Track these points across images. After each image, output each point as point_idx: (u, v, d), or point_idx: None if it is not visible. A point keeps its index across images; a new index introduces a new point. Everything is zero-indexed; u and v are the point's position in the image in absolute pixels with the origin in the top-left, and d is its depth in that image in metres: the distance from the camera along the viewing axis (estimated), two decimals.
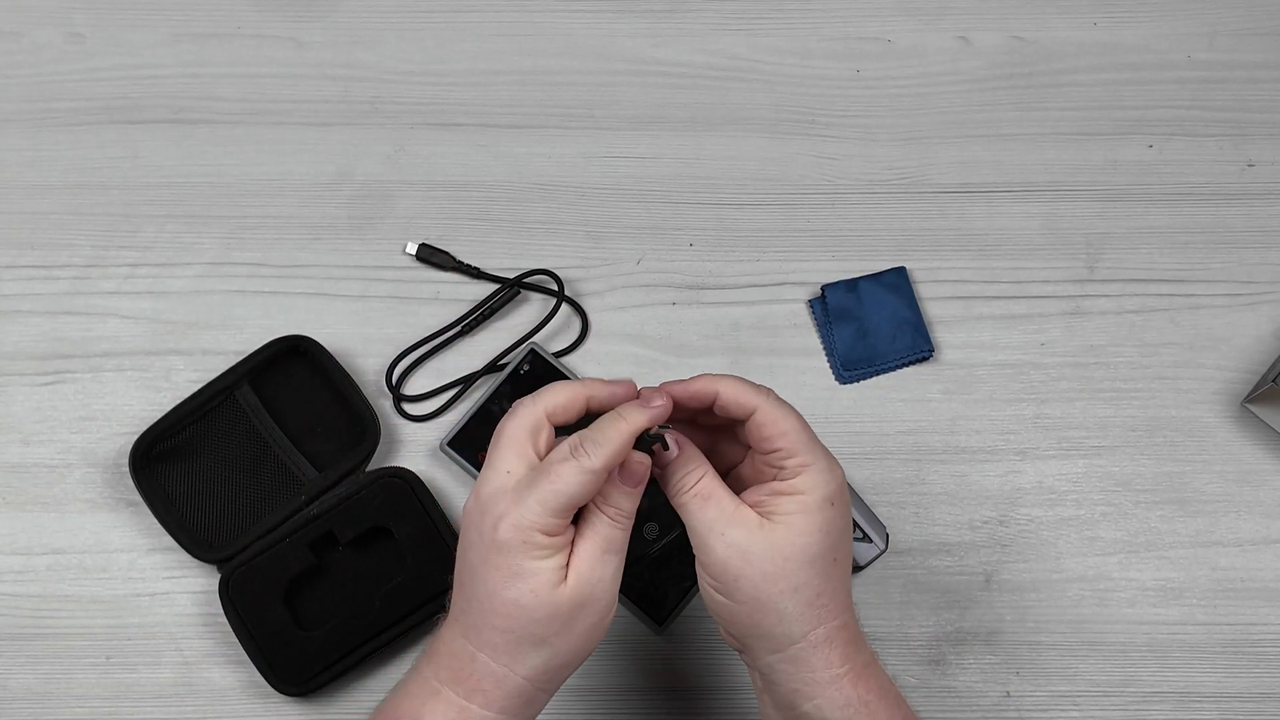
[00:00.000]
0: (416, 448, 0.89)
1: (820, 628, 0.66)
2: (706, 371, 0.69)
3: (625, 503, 0.67)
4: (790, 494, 0.66)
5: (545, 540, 0.64)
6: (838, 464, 0.68)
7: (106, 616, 0.85)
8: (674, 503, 0.68)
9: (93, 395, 0.90)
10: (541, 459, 0.65)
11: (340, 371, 0.87)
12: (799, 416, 0.68)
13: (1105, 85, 0.98)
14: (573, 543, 0.66)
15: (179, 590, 0.86)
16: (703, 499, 0.67)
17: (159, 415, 0.87)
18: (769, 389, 0.68)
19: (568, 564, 0.65)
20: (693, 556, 0.68)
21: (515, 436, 0.66)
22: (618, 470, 0.66)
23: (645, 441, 0.67)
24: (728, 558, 0.66)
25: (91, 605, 0.85)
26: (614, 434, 0.65)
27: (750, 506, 0.67)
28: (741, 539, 0.65)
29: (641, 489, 0.67)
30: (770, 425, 0.67)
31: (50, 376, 0.90)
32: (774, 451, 0.67)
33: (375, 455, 0.87)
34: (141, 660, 0.85)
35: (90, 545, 0.87)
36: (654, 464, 0.68)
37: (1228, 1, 1.00)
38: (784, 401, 0.68)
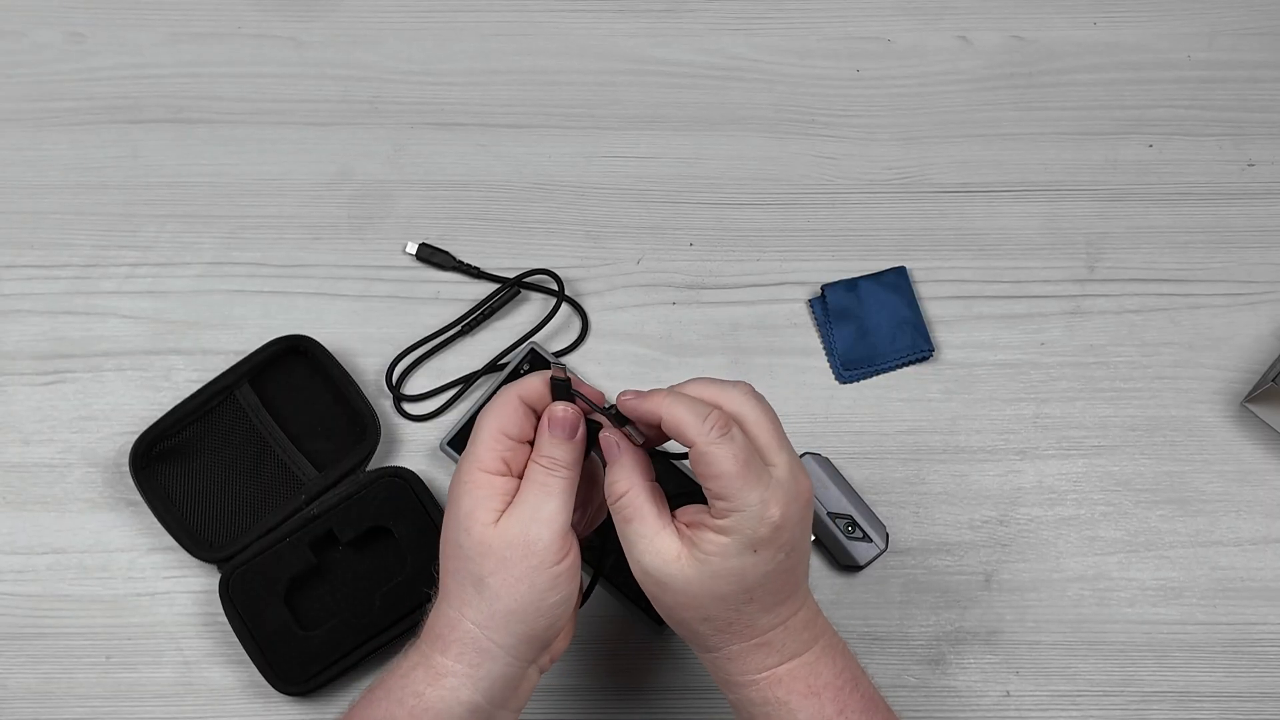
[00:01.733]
0: (416, 447, 0.89)
1: (734, 645, 0.68)
2: (702, 375, 0.69)
3: (557, 451, 0.68)
4: (715, 532, 0.65)
5: (483, 479, 0.67)
6: (779, 502, 0.65)
7: (106, 616, 0.85)
8: (609, 506, 0.69)
9: (93, 395, 0.90)
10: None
11: (340, 371, 0.87)
12: (740, 457, 0.64)
13: (1105, 85, 0.98)
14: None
15: (179, 590, 0.86)
16: (625, 518, 0.68)
17: (159, 415, 0.87)
18: (721, 420, 0.65)
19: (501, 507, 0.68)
20: None
21: (490, 431, 0.69)
22: (547, 421, 0.68)
23: (560, 390, 0.69)
24: (643, 579, 0.68)
25: (92, 605, 0.85)
26: (516, 384, 0.69)
27: (684, 524, 0.67)
28: (655, 566, 0.67)
29: (575, 440, 0.68)
30: (702, 466, 0.65)
31: (50, 376, 0.90)
32: (706, 489, 0.66)
33: (375, 455, 0.87)
34: (142, 660, 0.85)
35: (90, 545, 0.87)
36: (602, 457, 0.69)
37: (1228, 1, 1.00)
38: (728, 435, 0.64)
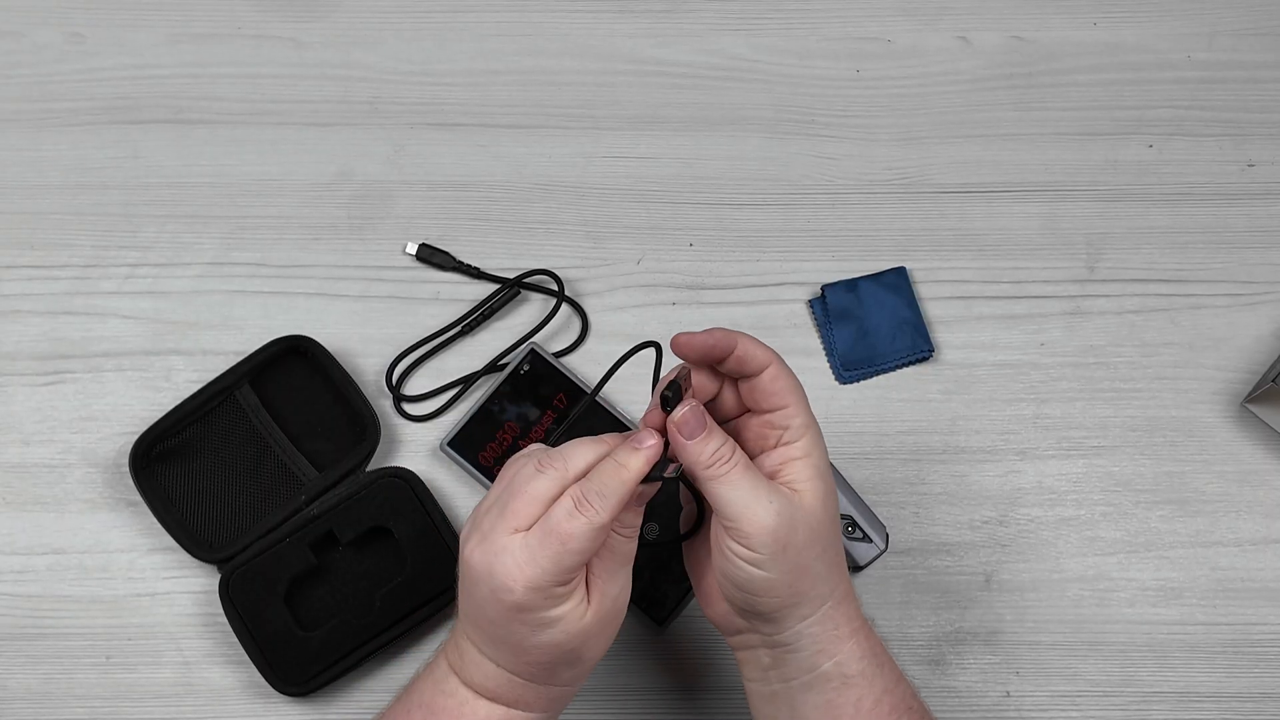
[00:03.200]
0: (417, 448, 0.89)
1: (840, 586, 0.69)
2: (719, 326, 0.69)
3: (634, 519, 0.68)
4: (802, 458, 0.67)
5: (564, 590, 0.65)
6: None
7: (106, 616, 0.85)
8: (704, 476, 0.66)
9: (93, 395, 0.89)
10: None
11: (340, 371, 0.87)
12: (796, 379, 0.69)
13: (1105, 85, 0.98)
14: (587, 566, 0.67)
15: (179, 590, 0.86)
16: (743, 470, 0.66)
17: (159, 415, 0.87)
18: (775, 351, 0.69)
19: (587, 588, 0.66)
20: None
21: (537, 499, 0.65)
22: (676, 429, 0.67)
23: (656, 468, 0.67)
24: (777, 526, 0.65)
25: (91, 605, 0.85)
26: (616, 484, 0.65)
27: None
28: (785, 507, 0.65)
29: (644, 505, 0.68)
30: (781, 380, 0.67)
31: (50, 376, 0.90)
32: (780, 409, 0.67)
33: (375, 455, 0.87)
34: (141, 660, 0.85)
35: (90, 545, 0.87)
36: (670, 451, 0.67)
37: (1228, 1, 1.00)
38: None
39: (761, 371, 0.68)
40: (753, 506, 0.65)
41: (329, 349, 0.88)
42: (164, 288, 0.92)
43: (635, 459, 0.66)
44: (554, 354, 0.90)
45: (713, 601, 0.71)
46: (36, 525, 0.87)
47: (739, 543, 0.65)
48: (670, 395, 0.67)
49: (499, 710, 0.68)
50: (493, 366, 0.90)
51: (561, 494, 0.65)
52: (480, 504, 0.68)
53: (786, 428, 0.67)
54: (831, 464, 0.86)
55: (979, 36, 0.99)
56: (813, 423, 0.68)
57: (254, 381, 0.88)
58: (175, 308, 0.91)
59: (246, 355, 0.88)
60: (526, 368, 0.89)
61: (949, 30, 0.99)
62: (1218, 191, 0.95)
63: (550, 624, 0.65)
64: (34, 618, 0.85)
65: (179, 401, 0.87)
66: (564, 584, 0.64)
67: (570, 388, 0.88)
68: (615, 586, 0.67)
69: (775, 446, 0.68)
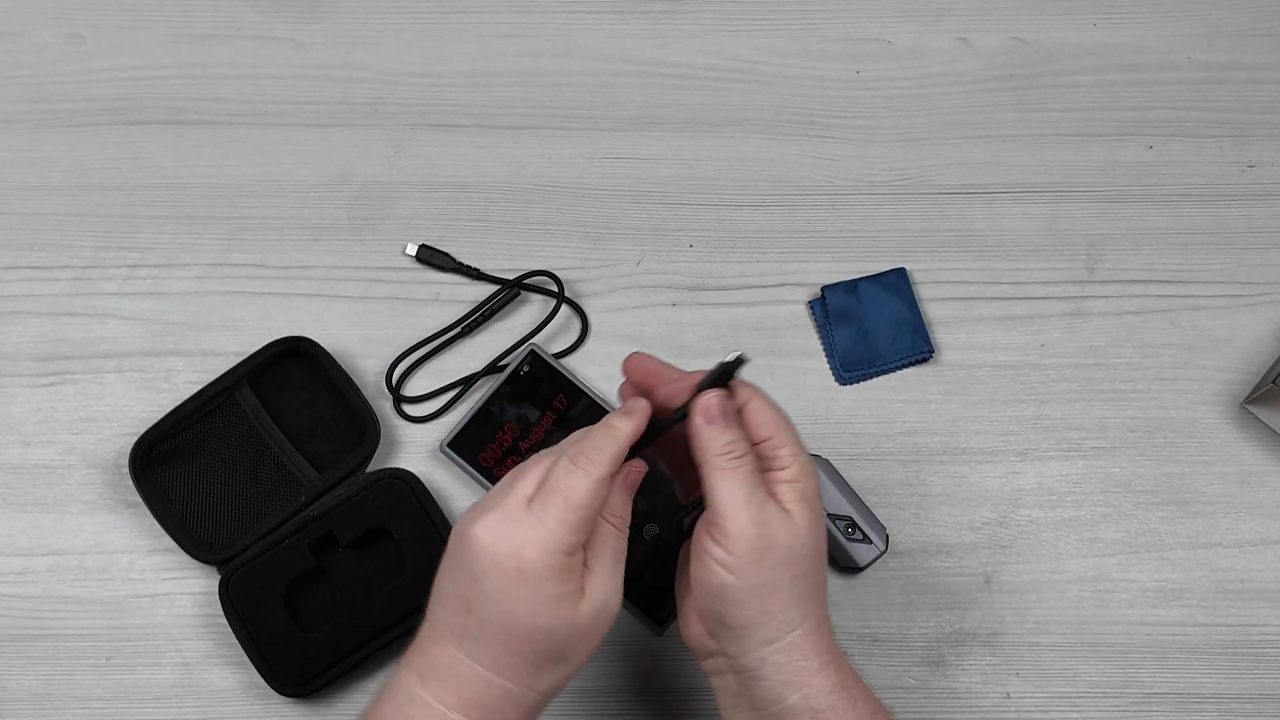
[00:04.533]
0: (416, 449, 0.89)
1: (812, 617, 0.68)
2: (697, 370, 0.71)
3: (624, 509, 0.68)
4: (790, 482, 0.67)
5: (567, 561, 0.65)
6: (810, 463, 0.70)
7: (106, 617, 0.85)
8: (710, 464, 0.67)
9: (93, 396, 0.90)
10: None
11: (340, 373, 0.87)
12: (779, 410, 0.70)
13: (1105, 86, 0.98)
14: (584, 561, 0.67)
15: (179, 591, 0.86)
16: (747, 473, 0.67)
17: (159, 416, 0.87)
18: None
19: (582, 581, 0.66)
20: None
21: (542, 470, 0.66)
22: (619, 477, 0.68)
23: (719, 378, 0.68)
24: (758, 535, 0.66)
25: (91, 606, 0.85)
26: (609, 440, 0.66)
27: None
28: (770, 519, 0.66)
29: (633, 493, 0.69)
30: (763, 414, 0.68)
31: (50, 377, 0.90)
32: (765, 440, 0.68)
33: (375, 456, 0.87)
34: (141, 661, 0.85)
35: (90, 546, 0.87)
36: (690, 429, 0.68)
37: (1228, 2, 1.00)
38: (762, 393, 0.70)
39: (742, 408, 0.69)
40: (740, 509, 0.66)
41: (329, 350, 0.88)
42: (164, 289, 0.92)
43: (625, 421, 0.68)
44: (554, 355, 0.90)
45: (690, 623, 0.71)
46: (36, 526, 0.87)
47: (717, 543, 0.66)
48: (714, 377, 0.68)
49: None
50: (493, 367, 0.90)
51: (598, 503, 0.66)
52: (478, 501, 0.68)
53: (775, 457, 0.68)
54: (831, 464, 0.87)
55: (979, 38, 0.99)
56: (801, 453, 0.68)
57: (254, 383, 0.88)
58: (175, 309, 0.91)
59: (246, 356, 0.88)
60: (526, 369, 0.89)
61: (949, 31, 0.99)
62: (1218, 192, 0.95)
63: (548, 602, 0.65)
64: (34, 619, 0.85)
65: (179, 402, 0.87)
66: (571, 552, 0.65)
67: (570, 389, 0.88)
68: (607, 586, 0.67)
69: (766, 471, 0.68)
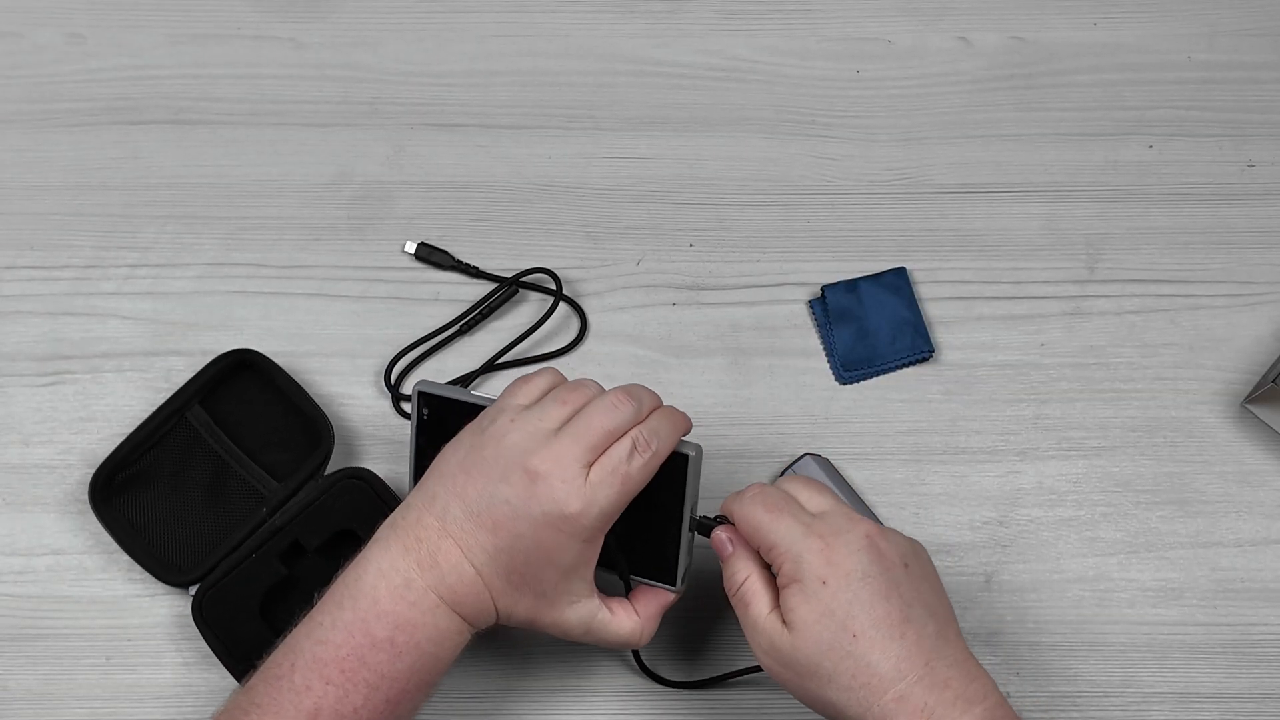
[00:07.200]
0: None
1: (874, 707, 0.67)
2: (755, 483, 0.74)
3: None
4: (789, 584, 0.69)
5: (606, 526, 0.71)
6: (819, 534, 0.70)
7: (106, 617, 0.85)
8: (727, 591, 0.73)
9: (93, 396, 0.90)
10: None
11: (288, 380, 0.86)
12: (767, 502, 0.71)
13: (1105, 85, 0.98)
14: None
15: (179, 591, 0.86)
16: (744, 603, 0.71)
17: None
18: (757, 486, 0.73)
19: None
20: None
21: (611, 434, 0.71)
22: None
23: (702, 527, 0.74)
24: (768, 664, 0.70)
25: (91, 606, 0.85)
26: (672, 431, 0.71)
27: (777, 609, 0.71)
28: (769, 646, 0.70)
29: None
30: (745, 523, 0.71)
31: (50, 377, 0.90)
32: (760, 548, 0.71)
33: (335, 457, 0.85)
34: (142, 661, 0.84)
35: (90, 546, 0.87)
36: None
37: (1228, 1, 1.00)
38: (766, 491, 0.72)
39: (730, 515, 0.73)
40: (750, 637, 0.71)
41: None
42: (164, 288, 0.92)
43: (682, 416, 0.73)
44: (550, 354, 0.90)
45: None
46: (36, 525, 0.87)
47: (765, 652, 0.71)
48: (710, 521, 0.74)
49: (456, 622, 0.70)
50: (490, 366, 0.90)
51: (625, 434, 0.70)
52: (526, 416, 0.71)
53: (772, 560, 0.71)
54: (831, 463, 0.87)
55: (979, 37, 0.99)
56: (790, 546, 0.69)
57: (204, 400, 0.87)
58: (175, 308, 0.91)
59: (193, 375, 0.87)
60: (426, 411, 0.79)
61: (949, 31, 0.99)
62: (1218, 192, 0.95)
63: (581, 547, 0.70)
64: (34, 618, 0.85)
65: (130, 431, 0.86)
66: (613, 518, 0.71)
67: (475, 411, 0.76)
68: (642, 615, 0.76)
69: (776, 575, 0.71)
